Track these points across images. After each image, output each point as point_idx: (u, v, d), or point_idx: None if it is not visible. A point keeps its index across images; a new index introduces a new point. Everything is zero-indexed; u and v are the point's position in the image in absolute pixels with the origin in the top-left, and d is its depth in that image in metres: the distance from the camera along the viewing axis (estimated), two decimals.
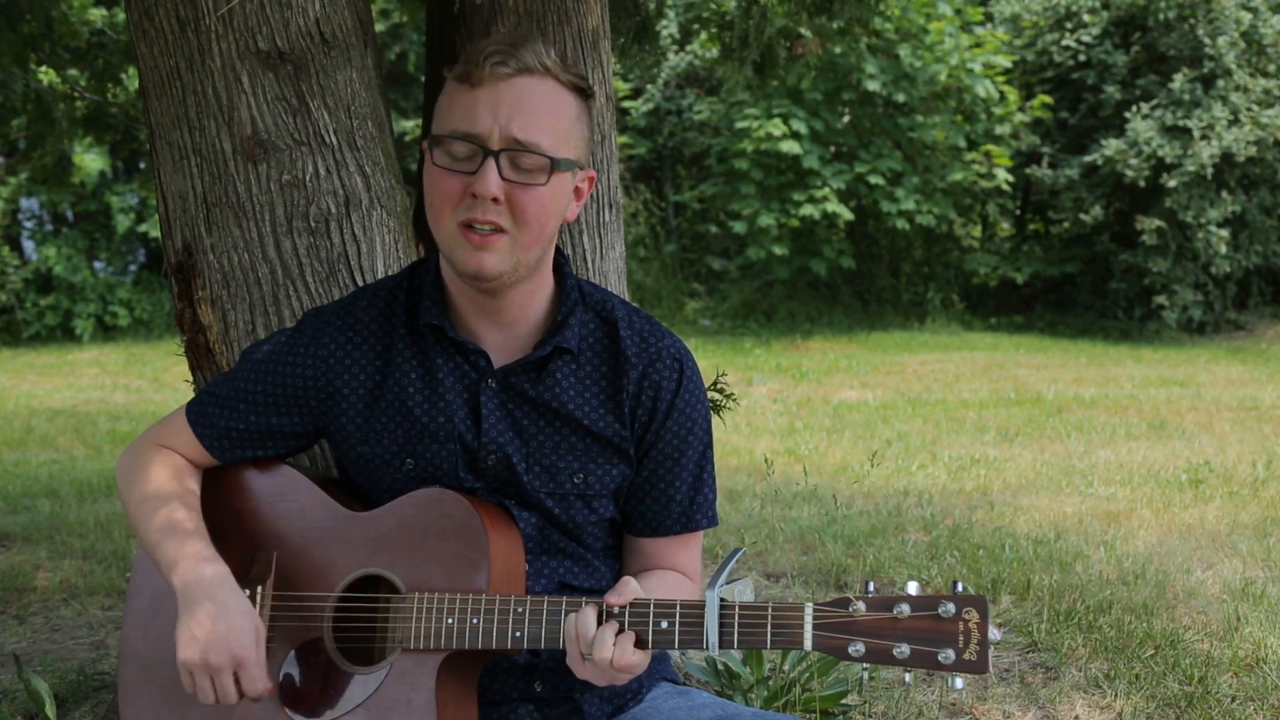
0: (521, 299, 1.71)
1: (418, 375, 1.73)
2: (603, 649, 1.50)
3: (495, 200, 1.59)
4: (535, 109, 1.59)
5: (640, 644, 1.52)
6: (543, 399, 1.72)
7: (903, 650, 1.45)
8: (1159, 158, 14.72)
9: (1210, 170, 14.43)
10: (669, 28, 15.27)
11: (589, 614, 1.53)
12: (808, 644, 1.48)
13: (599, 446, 1.73)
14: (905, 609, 1.45)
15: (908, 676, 1.52)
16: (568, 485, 1.73)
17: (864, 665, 1.48)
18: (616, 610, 1.53)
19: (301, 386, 1.77)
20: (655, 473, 1.77)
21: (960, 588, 1.47)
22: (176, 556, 1.66)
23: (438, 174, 1.62)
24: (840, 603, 1.48)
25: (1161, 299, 15.06)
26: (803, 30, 3.95)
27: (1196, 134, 14.53)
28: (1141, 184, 14.91)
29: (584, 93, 1.66)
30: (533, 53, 1.59)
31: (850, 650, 1.46)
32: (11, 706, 3.06)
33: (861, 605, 1.47)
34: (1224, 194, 14.84)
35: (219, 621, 1.59)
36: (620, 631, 1.52)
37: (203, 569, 1.64)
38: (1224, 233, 14.75)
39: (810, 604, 1.49)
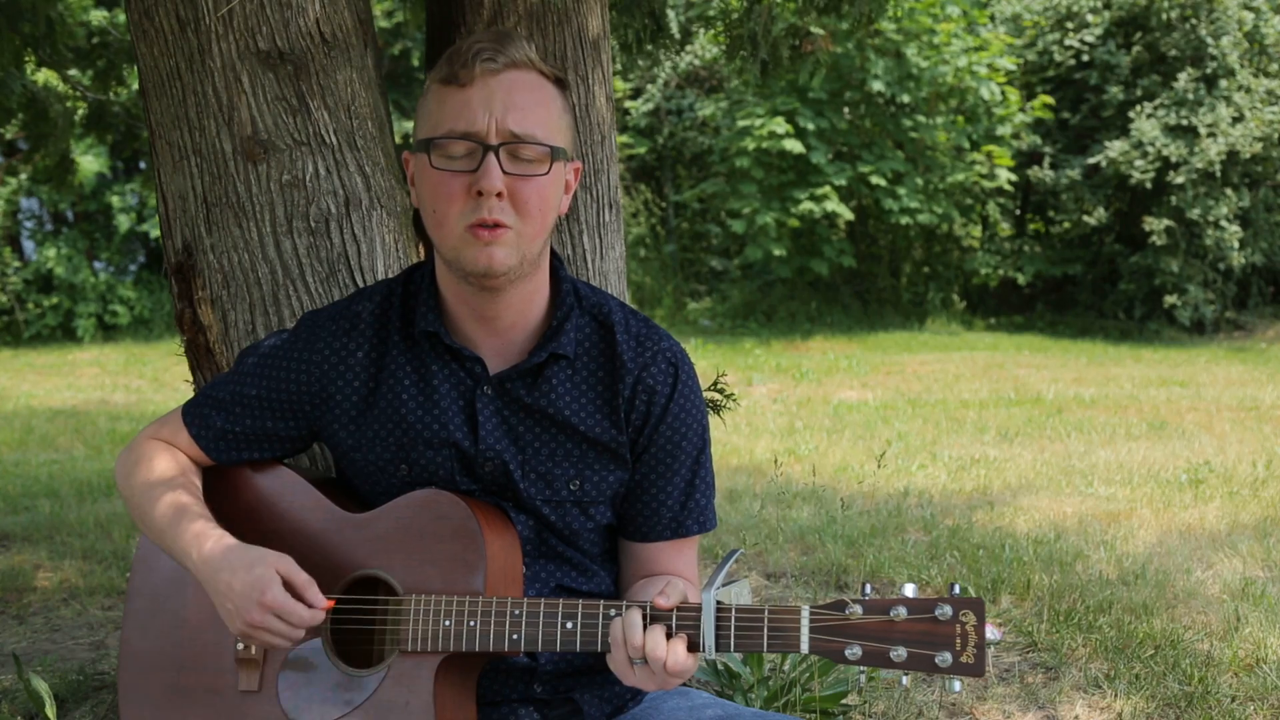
0: (519, 302, 1.70)
1: (412, 382, 1.72)
2: (657, 650, 1.49)
3: (499, 195, 1.59)
4: (527, 101, 1.61)
5: (692, 647, 1.51)
6: (538, 405, 1.71)
7: (900, 653, 1.45)
8: (1164, 157, 14.72)
9: (1218, 166, 14.42)
10: (669, 27, 15.27)
11: (635, 617, 1.51)
12: (804, 647, 1.48)
13: (595, 453, 1.72)
14: (902, 612, 1.45)
15: (905, 679, 1.52)
16: (563, 492, 1.72)
17: (861, 668, 1.48)
18: (663, 613, 1.52)
19: (296, 391, 1.77)
20: (647, 477, 1.75)
21: (957, 590, 1.46)
22: (186, 541, 1.67)
23: (438, 177, 1.61)
24: (837, 605, 1.48)
25: (1173, 299, 15.05)
26: (811, 29, 3.92)
27: (1203, 132, 14.52)
28: (1147, 185, 14.91)
29: (563, 85, 1.69)
30: (517, 48, 1.62)
31: (847, 653, 1.46)
32: (11, 706, 3.06)
33: (858, 608, 1.47)
34: (1229, 191, 14.85)
35: (236, 584, 1.60)
36: (670, 635, 1.51)
37: (208, 545, 1.65)
38: (1235, 227, 14.75)
39: (807, 607, 1.49)
